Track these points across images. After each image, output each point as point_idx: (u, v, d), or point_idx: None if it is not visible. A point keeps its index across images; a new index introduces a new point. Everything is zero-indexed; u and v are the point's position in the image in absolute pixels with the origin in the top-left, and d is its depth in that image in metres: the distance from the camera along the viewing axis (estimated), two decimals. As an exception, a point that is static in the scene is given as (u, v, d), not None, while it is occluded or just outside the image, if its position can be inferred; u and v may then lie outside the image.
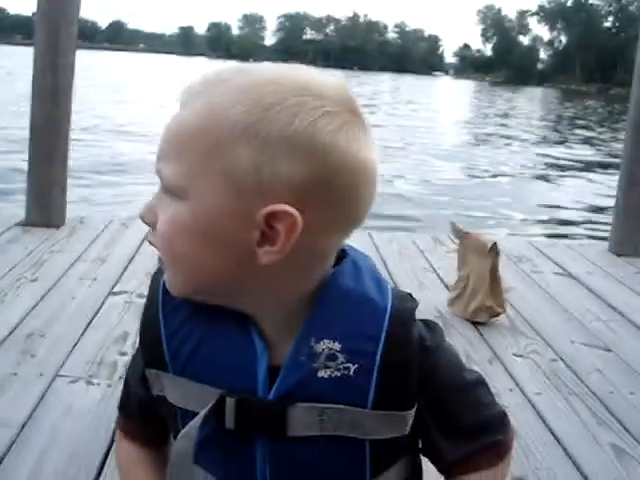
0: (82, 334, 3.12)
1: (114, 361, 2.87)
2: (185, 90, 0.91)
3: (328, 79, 0.90)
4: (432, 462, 1.09)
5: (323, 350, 0.91)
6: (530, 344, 3.37)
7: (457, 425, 1.03)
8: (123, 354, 2.94)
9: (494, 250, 3.50)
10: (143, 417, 1.11)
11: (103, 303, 3.50)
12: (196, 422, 0.92)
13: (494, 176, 13.26)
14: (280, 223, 0.85)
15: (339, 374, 0.91)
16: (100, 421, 2.43)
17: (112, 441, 2.29)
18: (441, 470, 1.07)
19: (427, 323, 1.02)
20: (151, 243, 0.96)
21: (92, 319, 3.29)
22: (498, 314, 3.54)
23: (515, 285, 4.18)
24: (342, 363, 0.91)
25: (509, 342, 3.36)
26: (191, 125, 0.87)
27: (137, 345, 1.10)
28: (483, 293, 3.49)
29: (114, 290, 3.69)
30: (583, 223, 9.22)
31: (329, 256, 0.95)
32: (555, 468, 2.36)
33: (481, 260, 3.52)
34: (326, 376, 0.91)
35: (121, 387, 2.53)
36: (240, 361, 0.93)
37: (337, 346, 0.91)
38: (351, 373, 0.91)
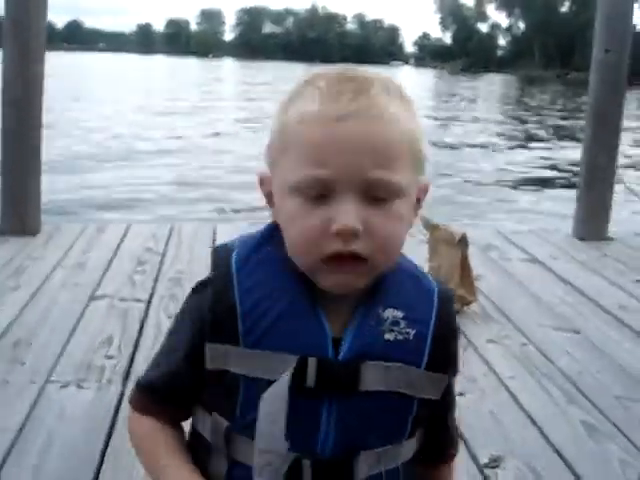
0: (68, 339, 3.19)
1: (102, 365, 2.95)
2: (352, 98, 0.99)
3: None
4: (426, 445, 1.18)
5: (388, 317, 1.04)
6: (502, 330, 3.50)
7: (451, 421, 1.23)
8: (110, 357, 3.02)
9: (463, 241, 3.63)
10: (173, 397, 1.12)
11: (86, 308, 3.58)
12: (284, 382, 0.99)
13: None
14: (423, 193, 1.09)
15: (401, 337, 1.04)
16: (94, 423, 2.52)
17: (107, 441, 2.39)
18: (427, 456, 1.19)
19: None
20: (354, 252, 0.99)
21: (76, 324, 3.37)
22: (470, 302, 3.67)
23: (484, 273, 4.31)
24: (403, 328, 1.05)
25: (482, 329, 3.49)
26: (397, 135, 1.00)
27: (173, 327, 1.14)
28: (454, 283, 3.60)
29: (95, 295, 3.76)
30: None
31: None
32: (530, 446, 2.49)
33: (451, 251, 3.65)
34: (391, 338, 1.04)
35: (111, 389, 2.65)
36: (311, 335, 1.03)
37: (400, 314, 1.05)
38: (411, 337, 1.05)
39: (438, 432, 1.19)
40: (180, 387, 1.11)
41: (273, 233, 1.08)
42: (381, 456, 1.07)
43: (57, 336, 3.22)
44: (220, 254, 1.09)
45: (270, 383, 1.00)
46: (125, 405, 2.62)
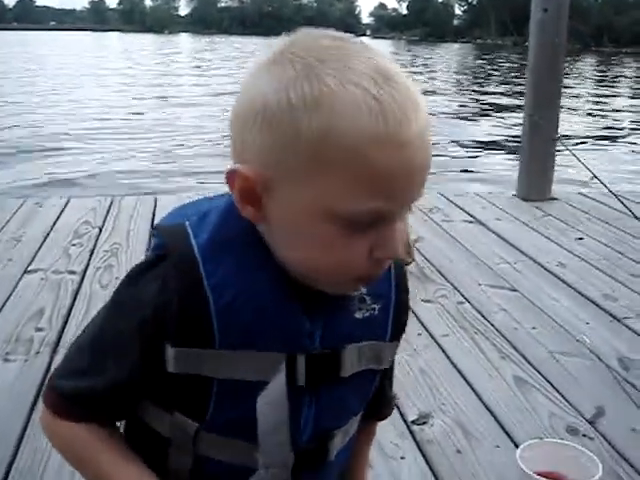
0: (-2, 313, 3.13)
1: (30, 337, 2.90)
2: (417, 126, 0.86)
3: None
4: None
5: (355, 295, 1.00)
6: (438, 290, 3.50)
7: (391, 371, 1.21)
8: (39, 330, 2.97)
9: (399, 202, 3.61)
10: (119, 405, 1.01)
11: (18, 282, 3.51)
12: (279, 384, 0.94)
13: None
14: None
15: (368, 314, 1.01)
16: (18, 396, 2.47)
17: (30, 414, 2.34)
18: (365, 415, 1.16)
19: None
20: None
21: (7, 299, 3.30)
22: (407, 264, 3.64)
23: (426, 235, 4.32)
24: (369, 304, 1.01)
25: (418, 289, 3.48)
26: (431, 151, 0.91)
27: (112, 321, 0.99)
28: (391, 244, 3.59)
29: (29, 269, 3.68)
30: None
31: None
32: (460, 402, 2.50)
33: (387, 213, 3.63)
34: (360, 317, 1.01)
35: (38, 362, 2.60)
36: (290, 325, 0.96)
37: (364, 290, 1.00)
38: (376, 312, 1.02)
39: (380, 394, 1.18)
40: (129, 395, 1.00)
41: (231, 210, 0.94)
42: (348, 430, 1.08)
43: (-14, 311, 3.16)
44: (172, 237, 0.95)
45: (251, 384, 0.94)
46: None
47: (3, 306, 3.22)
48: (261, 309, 0.94)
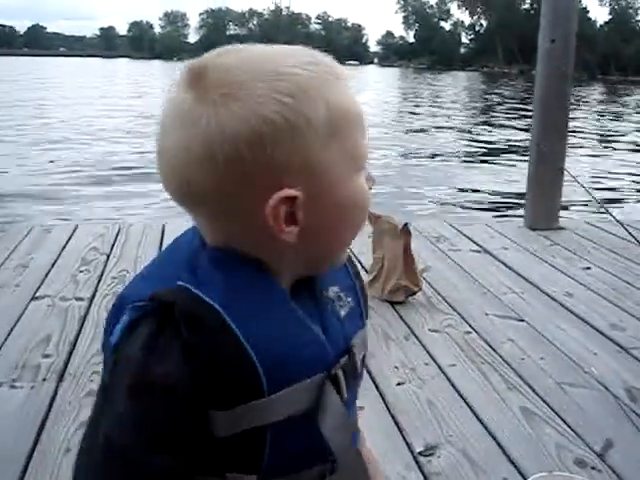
0: (4, 340, 3.13)
1: (37, 364, 2.90)
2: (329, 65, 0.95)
3: None
4: None
5: (333, 295, 1.02)
6: (446, 319, 3.50)
7: None
8: (46, 356, 2.97)
9: (405, 230, 3.62)
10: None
11: (25, 308, 3.51)
12: (336, 405, 0.95)
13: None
14: None
15: (348, 308, 1.03)
16: (25, 422, 2.47)
17: (36, 441, 2.34)
18: None
19: None
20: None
21: (14, 325, 3.31)
22: (414, 293, 3.66)
23: (433, 264, 4.31)
24: (345, 299, 1.04)
25: (425, 319, 3.48)
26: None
27: (163, 420, 0.86)
28: (398, 273, 3.60)
29: (36, 295, 3.69)
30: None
31: None
32: (467, 433, 2.48)
33: (394, 241, 3.63)
34: (344, 314, 1.02)
35: (44, 389, 2.60)
36: (315, 344, 0.94)
37: (336, 288, 1.03)
38: (352, 304, 1.04)
39: None
40: (188, 462, 0.89)
41: (215, 250, 0.91)
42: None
43: (-7, 337, 3.16)
44: (177, 297, 0.86)
45: (302, 414, 0.91)
46: (58, 403, 2.58)
47: (10, 332, 3.22)
48: (291, 340, 0.91)
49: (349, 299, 1.04)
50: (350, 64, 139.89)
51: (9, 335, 3.19)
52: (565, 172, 5.24)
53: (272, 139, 0.84)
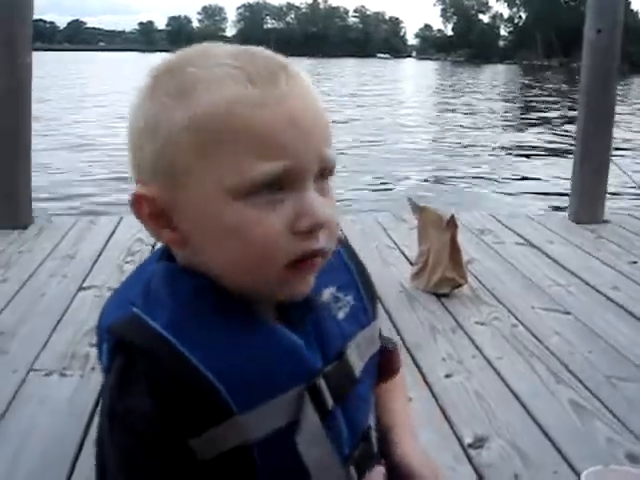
0: (53, 329, 3.18)
1: (86, 353, 2.93)
2: (291, 83, 0.87)
3: None
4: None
5: (328, 297, 0.99)
6: (492, 312, 3.47)
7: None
8: (94, 345, 2.98)
9: (452, 222, 3.60)
10: None
11: (73, 298, 3.56)
12: (311, 419, 0.91)
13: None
14: None
15: (347, 309, 1.00)
16: (75, 410, 2.50)
17: (87, 428, 2.37)
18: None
19: None
20: (325, 250, 0.89)
21: (63, 315, 3.35)
22: (460, 285, 3.64)
23: (478, 257, 4.29)
24: (343, 299, 1.01)
25: (471, 311, 3.46)
26: (322, 108, 0.91)
27: (131, 458, 0.86)
28: (444, 265, 3.58)
29: (83, 285, 3.74)
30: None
31: None
32: (516, 425, 2.46)
33: (440, 233, 3.62)
34: (343, 315, 0.99)
35: (93, 377, 2.62)
36: (291, 356, 0.91)
37: (332, 289, 1.00)
38: (352, 302, 1.01)
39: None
40: None
41: (168, 268, 0.91)
42: (372, 413, 1.08)
43: (42, 326, 3.21)
44: (131, 333, 0.86)
45: (285, 428, 0.89)
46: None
47: (59, 322, 3.26)
48: (254, 356, 0.88)
49: (349, 297, 1.01)
50: (382, 57, 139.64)
51: (58, 324, 3.23)
52: (611, 165, 5.17)
53: (144, 137, 0.86)
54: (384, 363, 1.14)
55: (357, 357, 0.99)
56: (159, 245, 0.97)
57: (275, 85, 0.84)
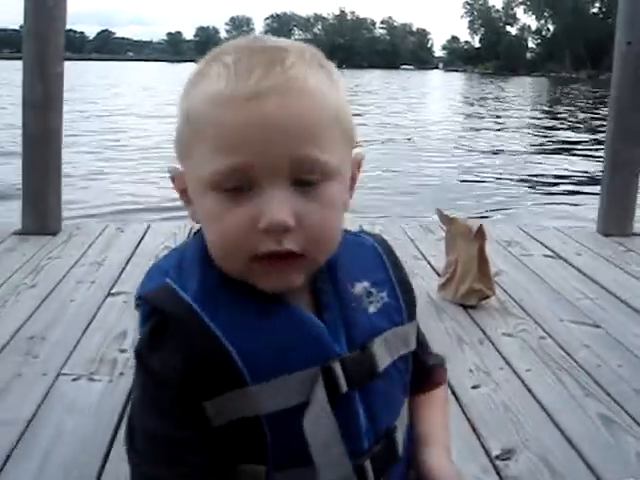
0: (82, 334, 3.20)
1: (114, 358, 2.95)
2: (269, 80, 0.88)
3: None
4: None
5: (360, 291, 1.01)
6: (519, 324, 3.45)
7: (422, 338, 1.18)
8: (123, 351, 3.02)
9: (480, 233, 3.58)
10: (212, 462, 0.96)
11: (102, 304, 3.59)
12: (320, 399, 0.93)
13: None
14: (357, 170, 1.03)
15: (380, 305, 1.03)
16: (103, 414, 2.51)
17: (115, 432, 2.38)
18: (418, 384, 1.16)
19: None
20: (286, 249, 0.90)
21: (91, 320, 3.38)
22: (487, 297, 3.62)
23: (505, 268, 4.27)
24: (377, 295, 1.03)
25: (499, 323, 3.45)
26: (324, 107, 0.91)
27: (151, 407, 0.96)
28: (472, 276, 3.57)
29: (112, 291, 3.77)
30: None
31: None
32: (544, 438, 2.44)
33: (468, 244, 3.60)
34: (374, 310, 1.02)
35: (121, 382, 2.64)
36: (311, 337, 0.95)
37: (367, 283, 1.02)
38: (386, 299, 1.04)
39: (419, 365, 1.15)
40: (200, 449, 0.95)
41: (201, 245, 0.97)
42: (404, 420, 1.09)
43: (71, 331, 3.23)
44: (162, 300, 0.94)
45: (297, 408, 0.92)
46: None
47: (88, 327, 3.29)
48: (274, 334, 0.93)
49: (382, 294, 1.04)
50: (405, 69, 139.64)
51: (87, 329, 3.26)
52: (641, 177, 5.13)
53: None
54: (426, 375, 1.17)
55: (384, 352, 1.02)
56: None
57: (248, 84, 0.87)
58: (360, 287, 1.02)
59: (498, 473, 2.23)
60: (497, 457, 2.31)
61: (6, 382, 2.75)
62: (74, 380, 2.78)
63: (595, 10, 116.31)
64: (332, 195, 0.92)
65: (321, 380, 0.94)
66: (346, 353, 0.97)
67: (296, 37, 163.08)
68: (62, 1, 4.70)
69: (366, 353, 0.98)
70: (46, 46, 4.67)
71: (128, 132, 16.89)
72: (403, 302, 1.06)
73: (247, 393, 0.91)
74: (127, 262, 4.27)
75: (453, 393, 2.72)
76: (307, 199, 0.89)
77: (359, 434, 0.99)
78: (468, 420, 2.53)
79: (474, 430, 2.47)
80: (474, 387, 2.78)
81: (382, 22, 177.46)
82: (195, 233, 1.01)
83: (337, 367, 0.95)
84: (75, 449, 2.30)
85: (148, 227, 5.09)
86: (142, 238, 4.80)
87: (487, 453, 2.33)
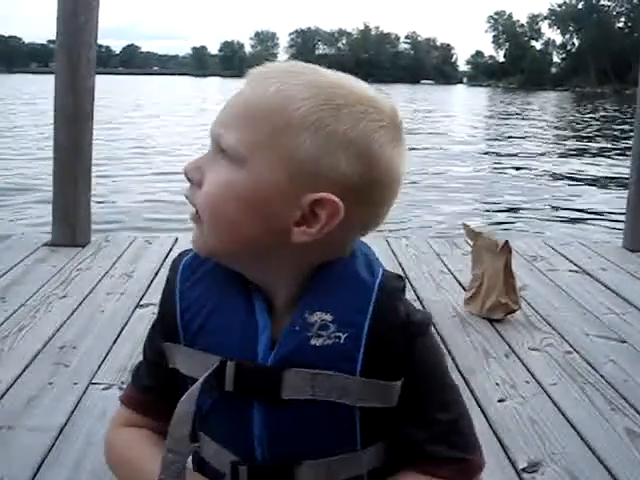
0: (112, 344, 3.25)
1: (144, 368, 2.98)
2: (258, 72, 1.01)
3: (384, 98, 1.03)
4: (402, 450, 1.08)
5: (316, 321, 0.99)
6: (545, 338, 3.46)
7: (430, 416, 1.05)
8: (152, 362, 3.05)
9: (506, 248, 3.60)
10: (159, 389, 1.15)
11: (131, 315, 3.64)
12: (197, 385, 1.00)
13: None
14: (323, 210, 0.95)
15: (330, 342, 0.98)
16: (134, 424, 2.54)
17: (146, 441, 2.41)
18: (404, 459, 1.08)
19: (420, 310, 1.09)
20: (187, 198, 1.02)
21: (121, 330, 3.43)
22: (513, 311, 3.64)
23: (530, 283, 4.27)
24: (333, 332, 0.98)
25: (525, 337, 3.46)
26: (264, 103, 0.96)
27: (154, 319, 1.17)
28: (498, 291, 3.58)
29: (141, 303, 3.82)
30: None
31: (346, 247, 1.05)
32: (571, 452, 2.45)
33: (494, 259, 3.62)
34: (318, 344, 0.98)
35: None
36: (243, 334, 1.01)
37: (329, 317, 0.99)
38: (341, 341, 0.98)
39: (406, 442, 1.06)
40: (160, 379, 1.15)
41: None
42: (332, 465, 1.04)
43: (102, 341, 3.28)
44: (178, 257, 1.12)
45: (192, 380, 1.03)
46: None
47: (118, 337, 3.34)
48: (212, 312, 1.04)
49: (340, 334, 0.99)
50: (425, 83, 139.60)
51: (117, 340, 3.31)
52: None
53: None
54: (418, 456, 1.06)
55: (302, 385, 0.99)
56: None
57: (251, 83, 1.01)
58: (318, 316, 0.99)
59: (525, 486, 2.24)
60: (524, 470, 2.32)
61: (38, 390, 2.80)
62: (104, 389, 2.82)
63: (620, 25, 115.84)
64: (228, 178, 0.98)
65: (211, 369, 1.01)
66: (257, 362, 1.00)
67: (320, 52, 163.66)
68: (93, 17, 4.79)
69: (271, 373, 0.99)
70: (77, 60, 4.75)
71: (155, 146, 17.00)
72: (364, 355, 0.99)
73: (178, 349, 1.07)
74: (155, 274, 4.32)
75: (479, 406, 2.74)
76: (213, 163, 1.00)
77: (247, 440, 1.03)
78: (494, 433, 2.55)
79: (500, 443, 2.48)
80: (500, 400, 2.80)
81: (406, 37, 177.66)
82: None
83: (231, 366, 1.00)
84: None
85: (176, 240, 5.14)
86: (170, 250, 4.85)
87: (514, 466, 2.34)
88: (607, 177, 13.85)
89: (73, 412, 2.63)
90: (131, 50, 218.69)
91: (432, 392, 1.06)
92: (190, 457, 1.10)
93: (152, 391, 1.17)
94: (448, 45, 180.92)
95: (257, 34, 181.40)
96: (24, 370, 2.98)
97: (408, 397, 1.03)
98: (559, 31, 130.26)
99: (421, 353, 1.03)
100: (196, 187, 1.00)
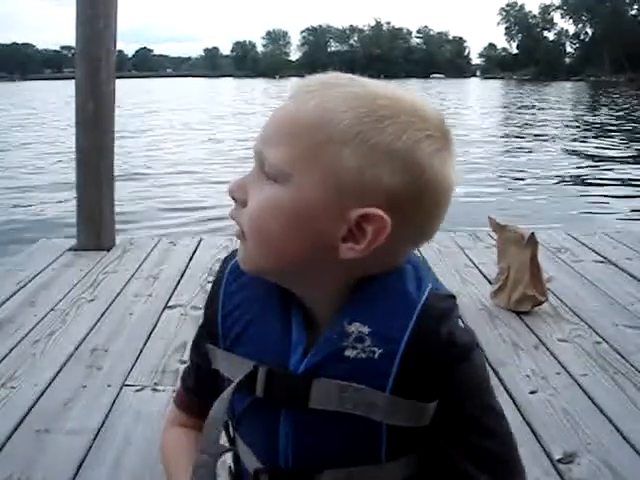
0: (143, 346, 3.28)
1: (176, 369, 3.02)
2: (299, 85, 0.99)
3: (430, 106, 1.00)
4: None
5: (353, 331, 0.96)
6: (574, 329, 3.46)
7: (474, 442, 1.02)
8: (184, 362, 3.08)
9: (532, 240, 3.60)
10: (202, 390, 1.16)
11: (160, 317, 3.67)
12: (229, 389, 1.01)
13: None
14: (370, 225, 0.92)
15: (364, 356, 0.96)
16: (169, 424, 2.57)
17: (182, 441, 2.43)
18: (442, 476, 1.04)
19: (466, 331, 1.02)
20: (233, 218, 1.01)
21: (151, 332, 3.46)
22: (540, 303, 3.63)
23: (556, 275, 4.27)
24: (368, 346, 0.96)
25: (553, 328, 3.46)
26: (305, 118, 0.94)
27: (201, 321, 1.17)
28: (524, 283, 3.58)
29: (169, 304, 3.85)
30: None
31: (396, 260, 1.02)
32: (605, 442, 2.45)
33: (520, 251, 3.62)
34: (352, 356, 0.96)
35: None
36: (278, 346, 1.01)
37: (366, 329, 0.96)
38: (375, 356, 0.96)
39: (452, 468, 1.02)
40: (205, 380, 1.15)
41: None
42: (353, 475, 1.02)
43: (132, 343, 3.32)
44: (226, 260, 1.11)
45: (229, 382, 1.04)
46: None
47: (148, 339, 3.37)
48: (251, 319, 1.04)
49: (376, 349, 0.96)
50: (435, 77, 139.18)
51: (147, 341, 3.34)
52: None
53: None
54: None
55: (329, 397, 0.98)
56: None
57: (294, 97, 0.98)
58: (356, 327, 0.97)
59: (562, 477, 2.25)
60: (559, 461, 2.33)
61: (72, 393, 2.83)
62: (138, 391, 2.85)
63: (634, 12, 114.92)
64: (272, 196, 0.96)
65: (244, 374, 1.01)
66: (289, 370, 0.99)
67: (333, 49, 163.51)
68: (112, 23, 4.83)
69: (301, 381, 0.98)
70: (97, 65, 4.79)
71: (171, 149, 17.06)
72: (397, 373, 0.96)
73: (218, 353, 1.08)
74: (182, 275, 4.35)
75: (511, 398, 2.74)
76: (256, 184, 0.98)
77: (273, 445, 1.03)
78: (528, 424, 2.55)
79: (534, 434, 2.49)
80: (532, 392, 2.80)
81: (418, 31, 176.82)
82: None
83: (262, 372, 1.00)
84: (145, 456, 2.37)
85: (200, 240, 5.17)
86: (194, 251, 4.88)
87: (549, 457, 2.35)
88: (630, 164, 13.76)
89: (108, 414, 2.67)
90: (144, 53, 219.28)
91: (473, 418, 1.02)
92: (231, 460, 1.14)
93: (197, 392, 1.19)
94: (461, 38, 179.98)
95: (269, 33, 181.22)
96: (57, 373, 3.02)
97: (447, 420, 1.00)
98: (572, 21, 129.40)
99: (461, 378, 0.99)
100: (241, 206, 0.99)
